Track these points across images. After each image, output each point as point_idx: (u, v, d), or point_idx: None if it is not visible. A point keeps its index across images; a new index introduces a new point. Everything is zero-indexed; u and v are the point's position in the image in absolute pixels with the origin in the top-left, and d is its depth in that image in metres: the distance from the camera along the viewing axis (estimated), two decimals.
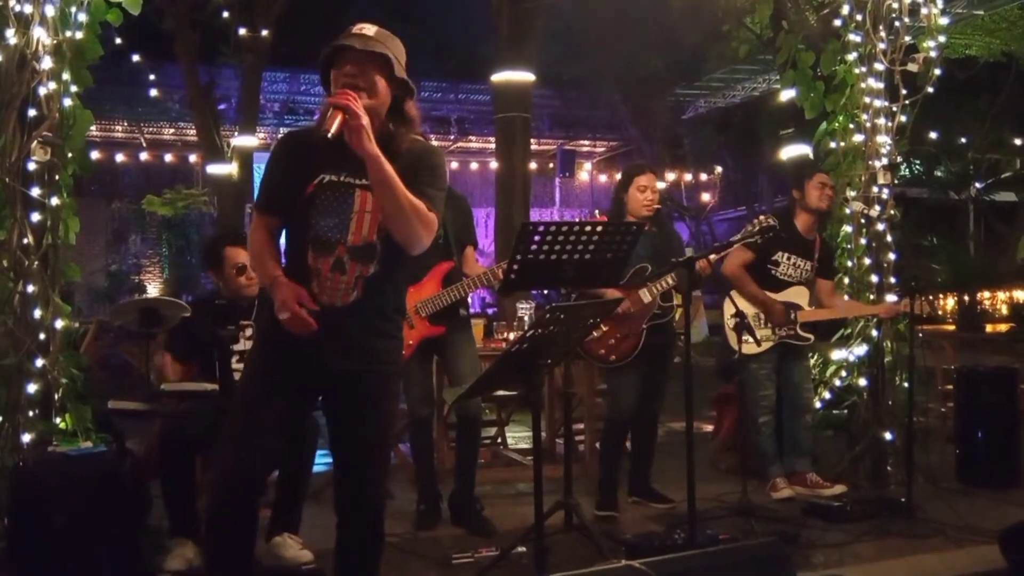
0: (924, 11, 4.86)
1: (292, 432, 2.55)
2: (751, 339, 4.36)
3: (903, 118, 4.86)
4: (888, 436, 4.67)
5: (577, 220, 3.86)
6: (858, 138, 4.85)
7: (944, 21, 4.94)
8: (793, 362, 4.55)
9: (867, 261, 4.81)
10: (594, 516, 4.06)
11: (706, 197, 19.80)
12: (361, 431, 2.45)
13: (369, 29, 2.40)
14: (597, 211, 4.15)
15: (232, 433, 2.44)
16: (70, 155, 3.58)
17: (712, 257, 3.94)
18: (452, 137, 18.91)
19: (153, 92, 13.95)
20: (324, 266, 2.37)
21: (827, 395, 4.93)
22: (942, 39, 4.89)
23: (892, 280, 4.80)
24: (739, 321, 4.49)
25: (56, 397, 3.48)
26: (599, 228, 3.05)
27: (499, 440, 5.65)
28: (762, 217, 3.94)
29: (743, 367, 4.49)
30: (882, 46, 4.80)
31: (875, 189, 4.81)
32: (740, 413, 4.73)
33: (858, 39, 4.83)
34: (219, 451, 2.49)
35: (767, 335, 4.46)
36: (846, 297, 4.75)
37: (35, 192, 3.46)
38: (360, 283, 2.39)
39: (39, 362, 3.44)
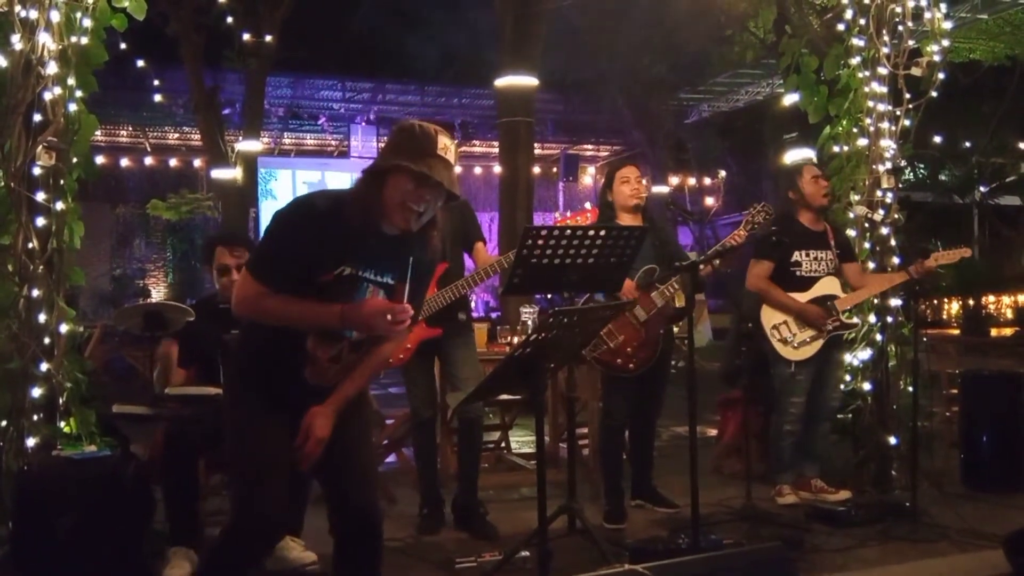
0: (927, 15, 4.85)
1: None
2: (795, 345, 4.38)
3: (907, 122, 4.85)
4: (892, 440, 4.66)
5: (574, 223, 3.82)
6: (862, 142, 4.84)
7: (948, 25, 4.93)
8: (829, 367, 4.51)
9: (871, 265, 4.80)
10: (603, 527, 4.03)
11: (710, 201, 19.84)
12: (348, 448, 2.42)
13: (451, 152, 2.35)
14: (588, 204, 4.14)
15: (254, 477, 2.33)
16: (75, 160, 3.59)
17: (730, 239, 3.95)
18: (456, 141, 18.86)
19: (158, 97, 13.98)
20: (323, 355, 2.34)
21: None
22: (946, 43, 4.87)
23: None
24: (746, 327, 4.52)
25: (60, 401, 3.49)
26: (603, 232, 3.05)
27: (502, 444, 5.65)
28: (756, 206, 3.95)
29: (782, 372, 4.46)
30: (885, 50, 4.80)
31: (879, 193, 4.80)
32: (746, 417, 4.72)
33: (861, 43, 4.82)
34: (243, 503, 2.36)
35: (815, 334, 4.43)
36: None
37: (40, 197, 3.46)
38: (349, 368, 2.40)
39: (44, 366, 3.45)
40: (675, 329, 4.37)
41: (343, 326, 2.27)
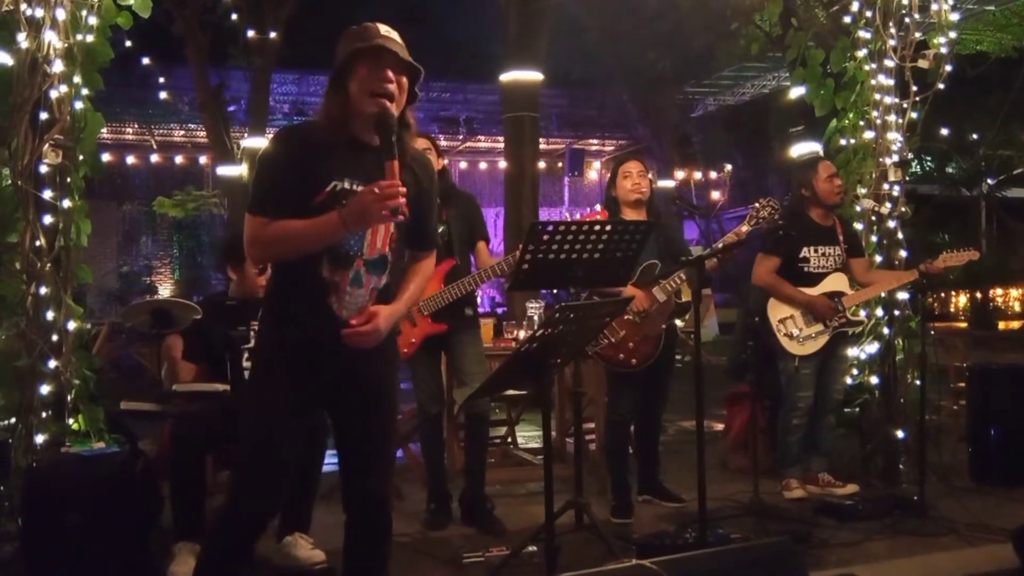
0: (934, 7, 4.83)
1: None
2: (800, 340, 4.37)
3: (914, 115, 4.83)
4: (900, 434, 4.65)
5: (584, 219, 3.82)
6: (868, 135, 4.83)
7: (955, 17, 4.91)
8: (833, 361, 4.51)
9: (878, 259, 4.79)
10: (610, 522, 4.03)
11: (716, 195, 19.79)
12: (371, 427, 2.45)
13: (395, 35, 2.37)
14: (598, 206, 4.14)
15: (258, 458, 2.36)
16: (81, 158, 3.61)
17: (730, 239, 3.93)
18: (461, 137, 18.94)
19: (163, 94, 14.03)
20: (343, 280, 2.34)
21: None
22: (953, 35, 4.85)
23: None
24: (752, 322, 4.51)
25: (69, 398, 3.51)
26: (608, 227, 3.05)
27: (509, 440, 5.66)
28: (762, 201, 3.94)
29: (787, 366, 4.46)
30: (892, 42, 4.78)
31: (886, 186, 4.79)
32: (753, 412, 4.72)
33: (868, 36, 4.80)
34: (244, 471, 2.41)
35: (820, 330, 4.43)
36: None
37: (47, 195, 3.48)
38: (374, 294, 2.40)
39: (52, 363, 3.46)
40: (681, 324, 4.36)
41: (345, 227, 2.23)
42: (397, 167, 2.22)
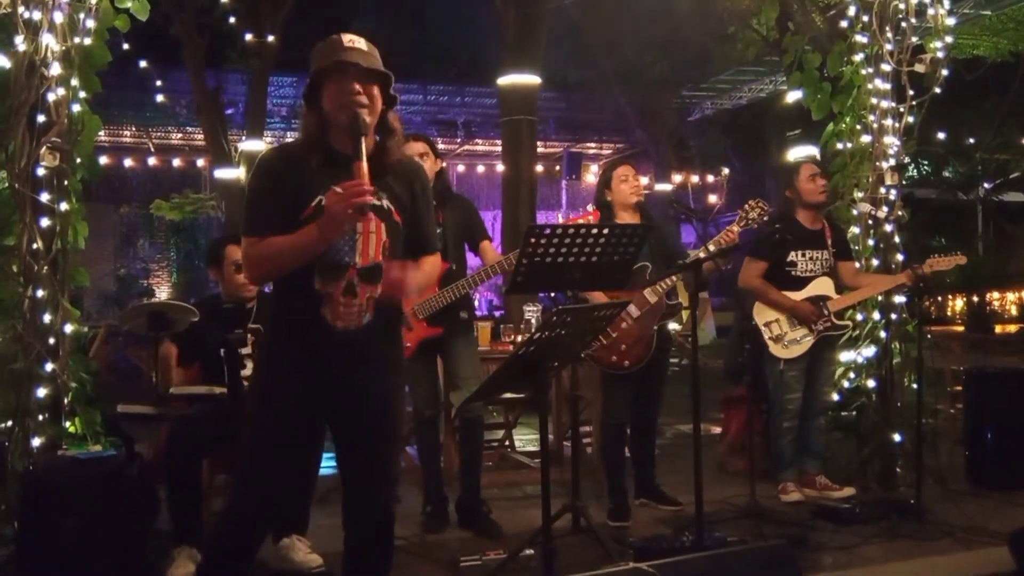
0: (931, 12, 4.84)
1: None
2: (785, 343, 4.39)
3: (910, 119, 4.84)
4: (897, 438, 4.66)
5: (580, 222, 3.82)
6: (865, 139, 4.84)
7: (951, 21, 4.92)
8: (820, 364, 4.53)
9: (875, 263, 4.80)
10: (607, 525, 4.03)
11: (713, 199, 19.80)
12: (372, 442, 2.43)
13: (362, 43, 2.38)
14: (591, 206, 4.14)
15: (257, 463, 2.37)
16: (79, 160, 3.61)
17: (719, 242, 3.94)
18: (459, 140, 18.94)
19: (161, 97, 14.01)
20: (335, 291, 2.33)
21: (835, 397, 4.89)
22: (949, 39, 4.87)
23: None
24: (749, 325, 4.52)
25: (65, 401, 3.50)
26: (605, 230, 3.05)
27: (507, 443, 5.66)
28: (752, 202, 3.95)
29: (773, 369, 4.48)
30: (889, 47, 4.79)
31: (882, 190, 4.80)
32: (750, 415, 4.73)
33: (865, 40, 4.82)
34: (244, 477, 2.42)
35: (805, 333, 4.45)
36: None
37: (44, 197, 3.48)
38: (371, 304, 2.38)
39: (48, 366, 3.46)
40: (678, 327, 4.37)
41: (322, 235, 2.23)
42: (363, 167, 2.22)
